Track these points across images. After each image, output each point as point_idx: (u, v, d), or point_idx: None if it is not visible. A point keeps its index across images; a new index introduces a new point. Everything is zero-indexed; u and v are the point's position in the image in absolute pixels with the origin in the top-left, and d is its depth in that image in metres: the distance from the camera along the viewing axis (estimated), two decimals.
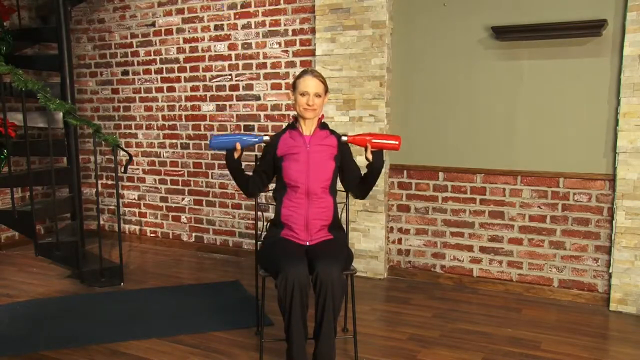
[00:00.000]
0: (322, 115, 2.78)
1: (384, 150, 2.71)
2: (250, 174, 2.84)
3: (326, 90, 2.72)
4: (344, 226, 2.92)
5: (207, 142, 4.87)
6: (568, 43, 3.55)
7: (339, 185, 2.84)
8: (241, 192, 2.91)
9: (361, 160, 2.81)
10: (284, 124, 2.89)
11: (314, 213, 2.69)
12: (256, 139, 2.70)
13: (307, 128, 2.73)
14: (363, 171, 2.79)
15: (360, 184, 2.80)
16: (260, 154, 2.86)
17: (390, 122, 4.10)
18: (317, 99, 2.67)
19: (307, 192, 2.68)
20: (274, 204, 2.83)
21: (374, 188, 4.05)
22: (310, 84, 2.65)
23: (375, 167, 2.68)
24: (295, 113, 2.76)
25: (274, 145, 2.75)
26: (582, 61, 3.54)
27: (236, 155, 2.68)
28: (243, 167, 2.81)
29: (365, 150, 2.65)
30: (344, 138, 2.69)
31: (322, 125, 2.77)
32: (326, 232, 2.74)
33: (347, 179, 2.82)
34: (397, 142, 2.67)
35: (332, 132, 2.79)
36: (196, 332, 3.19)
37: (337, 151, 2.74)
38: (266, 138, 2.72)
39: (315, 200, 2.68)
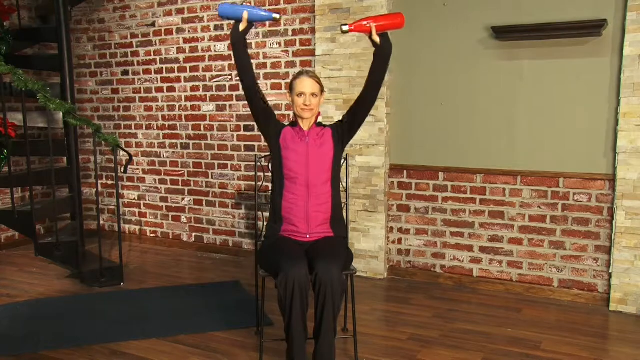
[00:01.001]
0: (319, 113, 2.80)
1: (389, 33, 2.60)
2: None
3: (322, 90, 2.75)
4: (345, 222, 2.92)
5: (207, 142, 4.87)
6: (568, 43, 3.55)
7: (340, 186, 2.85)
8: (237, 69, 2.72)
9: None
10: (284, 124, 2.90)
11: (313, 205, 2.69)
12: (265, 14, 2.59)
13: (305, 125, 2.77)
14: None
15: (370, 80, 2.68)
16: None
17: (390, 122, 4.10)
18: (314, 99, 2.69)
19: (307, 184, 2.69)
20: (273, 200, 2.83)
21: (374, 188, 4.09)
22: (306, 85, 2.68)
23: (385, 49, 2.60)
24: (293, 114, 2.79)
25: (281, 125, 2.78)
26: (582, 61, 3.54)
27: (242, 27, 2.59)
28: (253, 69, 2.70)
29: (371, 35, 2.57)
30: (345, 27, 2.54)
31: (318, 124, 2.81)
32: (327, 227, 2.75)
33: (354, 111, 2.76)
34: (400, 20, 2.57)
35: (326, 125, 2.83)
36: (196, 332, 3.19)
37: (332, 138, 2.75)
38: (276, 15, 2.60)
39: (315, 192, 2.70)
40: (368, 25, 2.53)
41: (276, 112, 4.47)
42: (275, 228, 2.76)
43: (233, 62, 4.64)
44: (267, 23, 4.47)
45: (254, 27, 2.65)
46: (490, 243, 3.91)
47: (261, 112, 2.75)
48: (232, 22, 2.65)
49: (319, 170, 2.71)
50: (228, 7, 2.60)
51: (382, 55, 2.63)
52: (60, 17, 4.44)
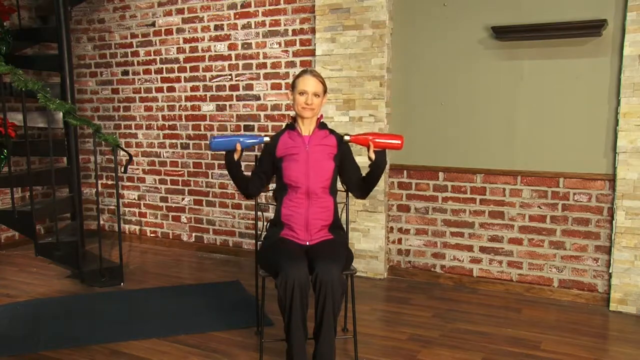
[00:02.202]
0: (321, 115, 2.78)
1: (387, 150, 2.70)
2: (249, 174, 2.83)
3: (325, 91, 2.73)
4: (344, 226, 2.91)
5: (207, 142, 4.87)
6: (568, 43, 3.55)
7: (339, 186, 2.84)
8: (240, 192, 2.90)
9: (362, 160, 2.80)
10: (284, 124, 2.89)
11: (314, 213, 2.69)
12: (256, 140, 2.69)
13: (306, 128, 2.73)
14: (364, 171, 2.79)
15: (361, 184, 2.79)
16: (260, 154, 2.86)
17: (390, 122, 4.10)
18: (316, 99, 2.67)
19: (307, 192, 2.68)
20: (274, 204, 2.83)
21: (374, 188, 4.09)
22: (309, 83, 2.66)
23: (378, 166, 2.67)
24: (294, 113, 2.76)
25: (273, 146, 2.75)
26: (582, 61, 3.54)
27: (236, 156, 2.67)
28: (243, 168, 2.81)
29: (368, 150, 2.63)
30: (347, 137, 2.66)
31: (321, 125, 2.77)
32: (326, 232, 2.74)
33: (348, 178, 2.81)
34: (399, 142, 2.66)
35: (332, 131, 2.79)
36: (196, 332, 3.19)
37: (336, 150, 2.74)
38: (266, 139, 2.71)
39: (316, 200, 2.69)
40: (367, 139, 2.63)
41: (276, 112, 4.51)
42: (276, 230, 2.76)
43: (235, 61, 4.65)
44: (267, 22, 4.47)
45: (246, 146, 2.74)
46: (490, 243, 3.91)
47: (268, 178, 2.85)
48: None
49: (319, 179, 2.69)
50: (221, 140, 2.67)
51: (376, 170, 2.69)
52: (60, 17, 4.44)
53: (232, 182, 2.79)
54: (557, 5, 3.54)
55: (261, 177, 2.82)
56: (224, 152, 2.72)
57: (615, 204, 3.47)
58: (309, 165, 2.67)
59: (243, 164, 2.88)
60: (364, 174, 2.79)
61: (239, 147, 2.64)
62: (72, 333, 3.19)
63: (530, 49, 3.66)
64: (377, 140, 2.63)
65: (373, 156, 2.64)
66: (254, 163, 3.02)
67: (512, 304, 3.65)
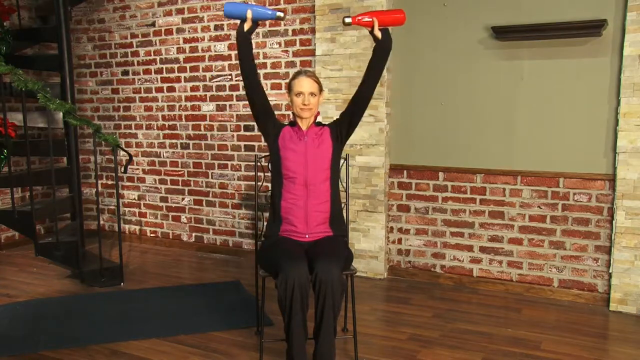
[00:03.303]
0: (318, 113, 2.80)
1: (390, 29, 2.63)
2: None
3: (321, 89, 2.75)
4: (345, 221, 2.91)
5: (207, 142, 4.87)
6: (568, 43, 3.55)
7: (340, 186, 2.84)
8: (239, 60, 2.69)
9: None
10: (284, 123, 2.90)
11: (312, 204, 2.69)
12: (270, 12, 2.62)
13: (304, 125, 2.77)
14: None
15: (368, 75, 2.68)
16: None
17: (390, 122, 4.10)
18: (313, 98, 2.69)
19: (306, 183, 2.69)
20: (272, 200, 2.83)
21: (374, 188, 4.09)
22: (304, 84, 2.68)
23: (384, 43, 2.62)
24: (292, 114, 2.79)
25: (281, 125, 2.79)
26: (582, 61, 3.54)
27: (246, 26, 2.61)
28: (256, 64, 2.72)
29: (372, 30, 2.59)
30: (348, 20, 2.58)
31: (317, 124, 2.80)
32: (326, 227, 2.74)
33: (354, 102, 2.73)
34: (401, 16, 2.60)
35: (324, 125, 2.82)
36: (196, 332, 3.19)
37: (331, 136, 2.75)
38: (280, 14, 2.62)
39: (314, 191, 2.69)
40: (370, 19, 2.56)
41: (276, 112, 4.48)
42: (275, 228, 2.76)
43: (235, 61, 4.65)
44: (268, 22, 4.47)
45: (258, 26, 2.66)
46: (490, 243, 3.91)
47: (262, 110, 2.75)
48: (237, 21, 2.65)
49: (317, 169, 2.70)
50: (233, 5, 2.61)
51: (382, 50, 2.64)
52: (60, 17, 4.44)
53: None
54: (557, 5, 3.54)
55: (262, 90, 2.77)
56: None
57: (615, 204, 3.47)
58: (307, 155, 2.70)
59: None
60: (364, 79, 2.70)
61: (249, 14, 2.58)
62: (72, 333, 3.19)
63: (530, 49, 3.66)
64: (380, 17, 2.57)
65: (379, 34, 2.59)
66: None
67: (512, 304, 3.65)
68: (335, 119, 2.81)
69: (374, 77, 2.68)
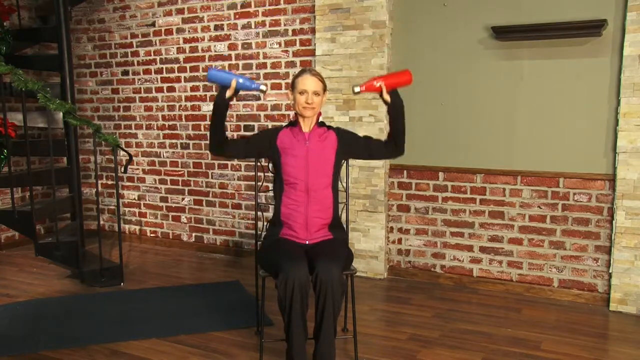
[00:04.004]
0: (320, 113, 2.78)
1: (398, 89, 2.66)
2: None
3: (325, 89, 2.73)
4: (344, 225, 2.91)
5: (207, 142, 4.86)
6: (568, 43, 3.55)
7: (339, 185, 2.84)
8: (210, 139, 2.71)
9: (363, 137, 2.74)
10: (284, 124, 2.90)
11: (313, 211, 2.68)
12: (253, 85, 2.61)
13: (306, 126, 2.74)
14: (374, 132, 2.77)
15: (387, 141, 2.75)
16: (260, 130, 2.81)
17: None
18: (316, 97, 2.67)
19: (307, 189, 2.67)
20: (273, 203, 2.83)
21: (374, 188, 4.09)
22: (308, 83, 2.66)
23: (396, 106, 2.64)
24: (294, 113, 2.77)
25: (275, 133, 2.75)
26: (582, 61, 3.54)
27: (228, 93, 2.58)
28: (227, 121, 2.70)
29: (381, 95, 2.61)
30: (357, 89, 2.60)
31: (320, 124, 2.78)
32: (326, 231, 2.74)
33: (369, 149, 2.78)
34: (408, 77, 2.63)
35: (330, 127, 2.80)
36: (196, 332, 3.19)
37: (337, 145, 2.74)
38: (263, 87, 2.62)
39: (315, 197, 2.68)
40: (378, 84, 2.59)
41: (276, 112, 4.51)
42: (275, 230, 2.75)
43: (235, 61, 4.65)
44: (267, 22, 4.47)
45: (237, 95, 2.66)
46: (490, 243, 3.91)
47: (250, 153, 2.76)
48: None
49: (319, 175, 2.68)
50: (218, 72, 2.61)
51: (395, 111, 2.66)
52: (60, 17, 4.44)
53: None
54: (557, 5, 3.54)
55: (245, 144, 2.75)
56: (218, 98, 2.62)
57: (615, 204, 3.47)
58: (308, 160, 2.67)
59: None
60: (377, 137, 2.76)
61: (234, 83, 2.56)
62: (72, 333, 3.19)
63: (530, 49, 3.66)
64: (388, 81, 2.60)
65: (388, 98, 2.61)
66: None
67: (512, 304, 3.65)
68: (350, 131, 2.73)
69: (399, 130, 2.71)
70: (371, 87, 2.60)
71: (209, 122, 2.69)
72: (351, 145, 2.77)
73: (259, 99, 4.58)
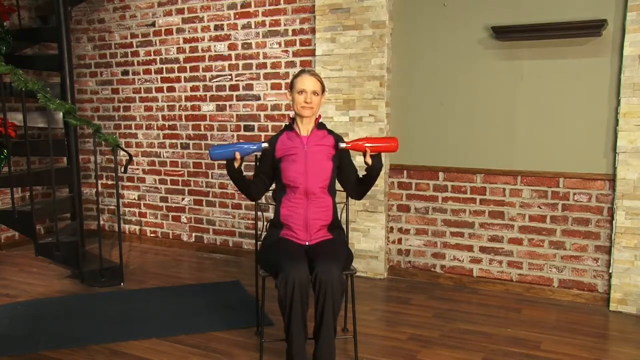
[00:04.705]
0: (320, 116, 2.78)
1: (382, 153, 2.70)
2: (252, 178, 2.84)
3: (323, 89, 2.73)
4: (344, 226, 2.91)
5: (207, 142, 4.87)
6: (568, 43, 3.55)
7: (339, 186, 2.84)
8: (244, 195, 2.89)
9: (360, 161, 2.80)
10: (284, 124, 2.90)
11: (313, 213, 2.68)
12: (255, 147, 2.67)
13: (305, 128, 2.73)
14: (361, 173, 2.79)
15: (358, 185, 2.80)
16: (260, 155, 2.85)
17: (390, 122, 4.10)
18: (315, 97, 2.67)
19: (306, 192, 2.67)
20: (274, 204, 2.83)
21: (373, 188, 4.09)
22: (307, 83, 2.66)
23: (374, 169, 2.68)
24: (293, 113, 2.76)
25: (272, 148, 2.75)
26: (582, 61, 3.54)
27: (236, 164, 2.66)
28: (244, 168, 2.80)
29: (364, 155, 2.63)
30: (342, 145, 2.64)
31: (320, 125, 2.77)
32: (325, 232, 2.74)
33: (346, 179, 2.82)
34: (394, 144, 2.67)
35: (330, 132, 2.79)
36: (196, 332, 3.19)
37: (335, 151, 2.74)
38: (264, 145, 2.68)
39: (315, 200, 2.68)
40: (363, 145, 2.62)
41: (276, 112, 4.51)
42: (275, 230, 2.76)
43: (234, 61, 4.64)
44: (267, 22, 4.48)
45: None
46: (490, 243, 3.91)
47: (267, 178, 2.83)
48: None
49: (318, 178, 2.68)
50: (219, 150, 2.65)
51: (371, 174, 2.70)
52: (60, 17, 4.44)
53: (234, 185, 2.78)
54: (557, 5, 3.54)
55: (262, 179, 2.83)
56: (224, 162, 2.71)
57: (615, 204, 3.47)
58: (307, 165, 2.67)
59: (244, 164, 2.87)
60: (360, 176, 2.79)
61: (237, 155, 2.63)
62: (72, 333, 3.19)
63: (530, 49, 3.66)
64: (373, 145, 2.63)
65: (370, 161, 2.64)
66: (254, 163, 3.01)
67: (512, 304, 3.65)
68: (341, 145, 2.69)
69: (362, 189, 2.80)
70: (357, 147, 2.64)
71: (235, 186, 2.84)
72: (343, 167, 2.78)
73: (259, 99, 4.58)
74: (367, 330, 3.20)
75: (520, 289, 3.84)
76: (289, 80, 4.36)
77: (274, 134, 2.93)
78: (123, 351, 2.96)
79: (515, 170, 3.78)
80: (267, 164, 2.79)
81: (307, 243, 2.69)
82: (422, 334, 3.16)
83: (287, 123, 2.81)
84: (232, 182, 2.78)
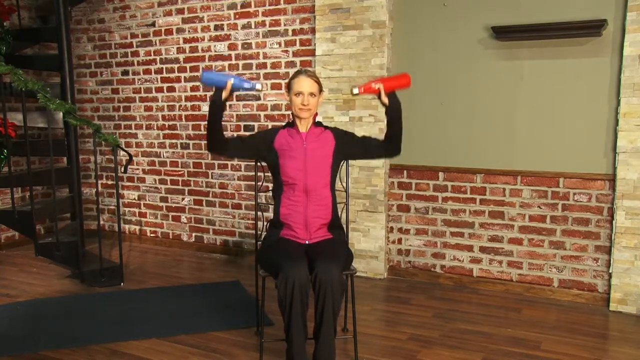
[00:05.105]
0: (316, 114, 2.78)
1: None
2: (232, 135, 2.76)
3: (320, 90, 2.73)
4: (344, 226, 2.91)
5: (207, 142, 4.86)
6: (568, 43, 3.55)
7: (339, 185, 2.84)
8: (207, 138, 2.74)
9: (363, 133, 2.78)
10: (283, 124, 2.91)
11: (312, 211, 2.68)
12: (249, 85, 2.61)
13: (303, 126, 2.75)
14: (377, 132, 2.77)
15: (387, 139, 2.75)
16: (259, 131, 2.83)
17: None
18: (312, 99, 2.67)
19: (306, 190, 2.67)
20: (273, 204, 2.83)
21: (374, 188, 4.09)
22: (304, 84, 2.66)
23: (394, 109, 2.64)
24: (291, 113, 2.78)
25: (272, 134, 2.75)
26: (582, 61, 3.54)
27: (224, 95, 2.59)
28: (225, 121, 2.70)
29: (379, 96, 2.61)
30: (355, 90, 2.60)
31: (317, 124, 2.78)
32: (326, 231, 2.74)
33: (367, 150, 2.79)
34: (406, 80, 2.63)
35: (327, 127, 2.80)
36: (196, 332, 3.19)
37: (334, 145, 2.74)
38: (258, 86, 2.61)
39: (314, 197, 2.68)
40: (377, 87, 2.59)
41: (276, 112, 4.51)
42: (275, 230, 2.75)
43: (234, 61, 4.65)
44: (267, 22, 4.47)
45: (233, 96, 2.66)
46: (490, 243, 3.91)
47: (250, 153, 2.77)
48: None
49: (318, 175, 2.68)
50: (212, 75, 2.60)
51: (393, 114, 2.66)
52: (60, 17, 4.44)
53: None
54: (557, 5, 3.54)
55: (239, 143, 2.77)
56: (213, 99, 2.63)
57: (615, 204, 3.47)
58: (306, 161, 2.67)
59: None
60: (376, 137, 2.75)
61: (229, 85, 2.56)
62: (72, 333, 3.19)
63: (530, 49, 3.66)
64: (386, 84, 2.60)
65: (386, 101, 2.61)
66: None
67: (512, 304, 3.65)
68: (347, 131, 2.72)
69: (396, 140, 2.71)
70: (369, 89, 2.60)
71: (206, 122, 2.70)
72: (347, 144, 2.77)
73: (259, 99, 4.58)
74: (367, 330, 3.20)
75: (520, 289, 3.84)
76: (288, 80, 4.36)
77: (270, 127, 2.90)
78: (123, 351, 2.96)
79: (515, 170, 3.78)
80: (260, 141, 2.76)
81: (307, 242, 2.69)
82: (422, 334, 3.16)
83: (289, 121, 2.81)
84: (208, 115, 2.66)
